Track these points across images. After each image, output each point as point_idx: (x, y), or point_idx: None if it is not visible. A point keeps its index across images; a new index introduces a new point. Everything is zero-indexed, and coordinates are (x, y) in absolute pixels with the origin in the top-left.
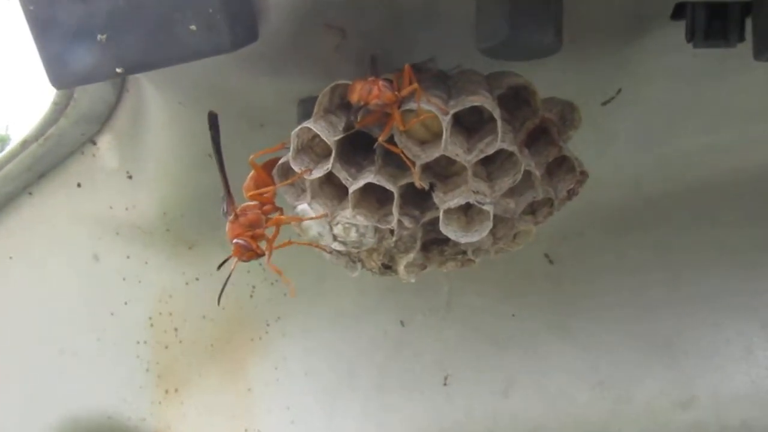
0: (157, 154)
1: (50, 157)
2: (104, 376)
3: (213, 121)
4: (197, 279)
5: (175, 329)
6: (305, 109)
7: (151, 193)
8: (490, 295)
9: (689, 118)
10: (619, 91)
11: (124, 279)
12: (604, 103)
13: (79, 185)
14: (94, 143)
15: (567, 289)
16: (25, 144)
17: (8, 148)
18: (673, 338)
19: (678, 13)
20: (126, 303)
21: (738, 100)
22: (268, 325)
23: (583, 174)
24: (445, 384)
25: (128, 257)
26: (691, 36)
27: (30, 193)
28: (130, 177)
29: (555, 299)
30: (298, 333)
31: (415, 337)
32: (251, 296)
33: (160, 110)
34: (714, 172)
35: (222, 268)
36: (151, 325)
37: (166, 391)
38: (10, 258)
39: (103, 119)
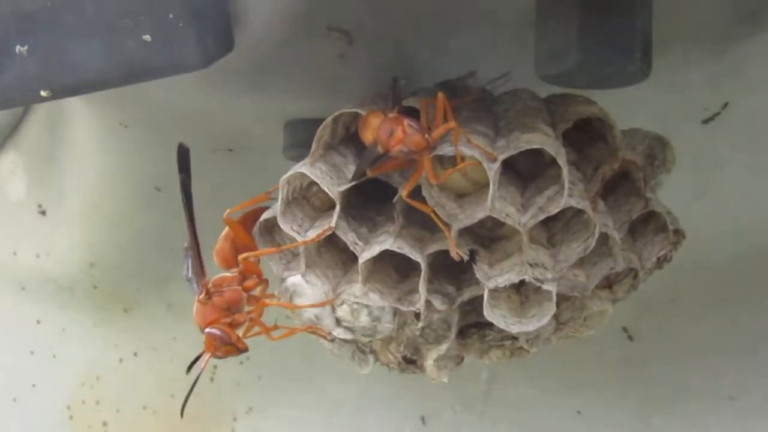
0: (84, 184)
1: None
2: None
3: (183, 157)
4: (135, 354)
5: (104, 424)
6: (294, 135)
7: (72, 236)
8: (547, 385)
9: None
10: (726, 105)
11: (32, 353)
12: (706, 122)
13: None
14: None
15: (652, 375)
16: None
17: None
18: None
19: None
20: (34, 386)
21: None
22: (235, 419)
23: (678, 234)
24: None
25: (38, 322)
26: None
27: None
28: (43, 212)
29: (636, 390)
30: (277, 431)
31: None
32: (212, 379)
33: (91, 129)
34: None
35: (192, 369)
36: (70, 417)
37: None
38: None
39: (7, 133)
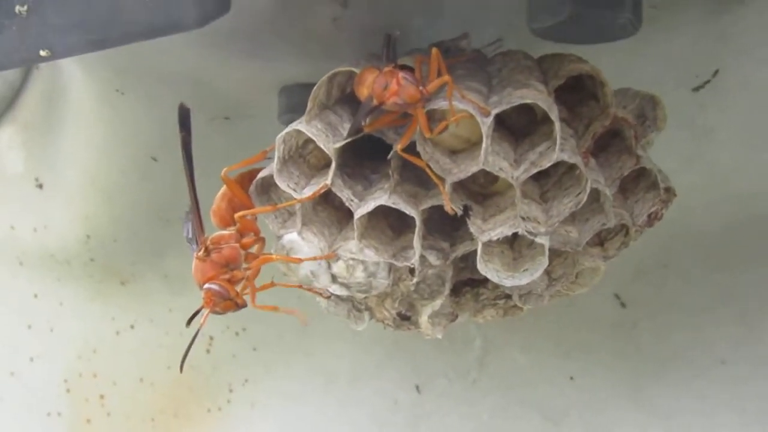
0: (81, 157)
1: None
2: None
3: (184, 118)
4: (132, 327)
5: (101, 396)
6: (289, 100)
7: (69, 209)
8: (540, 351)
9: None
10: (716, 72)
11: (29, 327)
12: (697, 89)
13: None
14: None
15: (644, 342)
16: None
17: None
18: None
19: None
20: (32, 359)
21: None
22: (231, 390)
23: (669, 192)
24: None
25: (35, 296)
26: None
27: None
28: (39, 186)
29: (628, 355)
30: (272, 402)
31: (435, 408)
32: (208, 351)
33: (87, 98)
34: None
35: (191, 323)
36: (68, 390)
37: None
38: None
39: (4, 107)
